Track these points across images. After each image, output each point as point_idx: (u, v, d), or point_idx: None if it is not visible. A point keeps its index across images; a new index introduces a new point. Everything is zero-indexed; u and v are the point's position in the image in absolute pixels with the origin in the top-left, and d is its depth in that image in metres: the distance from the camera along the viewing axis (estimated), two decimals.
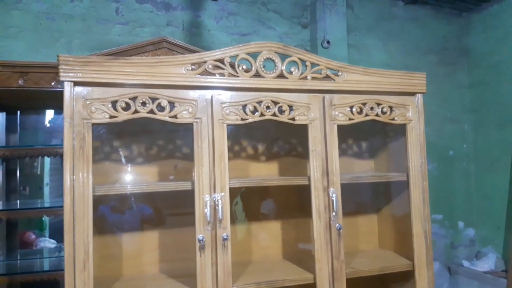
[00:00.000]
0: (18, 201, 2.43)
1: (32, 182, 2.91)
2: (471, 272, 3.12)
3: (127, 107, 1.43)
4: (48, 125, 2.71)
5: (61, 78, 1.37)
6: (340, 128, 1.72)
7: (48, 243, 2.94)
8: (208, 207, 1.47)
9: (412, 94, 1.80)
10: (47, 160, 2.76)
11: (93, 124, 1.40)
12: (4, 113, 2.34)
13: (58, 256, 2.48)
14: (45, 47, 2.34)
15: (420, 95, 1.81)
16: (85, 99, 1.39)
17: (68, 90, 1.37)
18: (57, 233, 2.97)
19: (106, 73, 1.40)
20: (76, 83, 1.38)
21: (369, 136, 2.10)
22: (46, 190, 2.98)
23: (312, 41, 3.05)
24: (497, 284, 2.91)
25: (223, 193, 1.49)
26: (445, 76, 3.52)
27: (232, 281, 1.49)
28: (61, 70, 1.36)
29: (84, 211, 1.35)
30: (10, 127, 2.40)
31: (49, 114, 2.73)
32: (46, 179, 2.95)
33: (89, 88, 1.40)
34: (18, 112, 2.45)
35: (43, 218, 3.02)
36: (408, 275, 1.79)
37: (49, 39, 2.40)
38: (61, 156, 2.21)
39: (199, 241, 1.45)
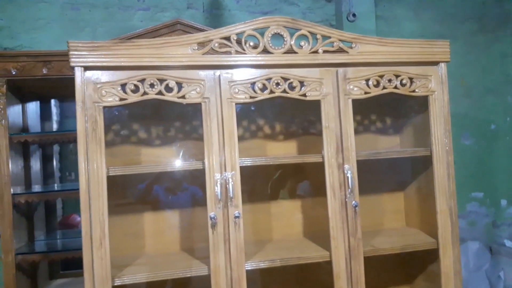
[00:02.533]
0: (55, 185, 2.57)
1: (77, 168, 3.08)
2: None
3: (136, 89, 1.46)
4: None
5: (72, 64, 1.41)
6: (361, 104, 1.66)
7: None
8: (219, 185, 1.48)
9: (435, 63, 1.69)
10: None
11: (104, 107, 1.44)
12: (38, 102, 2.46)
13: None
14: (71, 37, 2.41)
15: (444, 64, 1.70)
16: (95, 83, 1.43)
17: (78, 75, 1.42)
18: None
19: (114, 56, 1.43)
20: (86, 68, 1.42)
21: (393, 111, 2.00)
22: None
23: (337, 15, 2.93)
24: None
25: (233, 172, 1.49)
26: (485, 45, 3.27)
27: (245, 259, 1.50)
28: (71, 56, 1.41)
29: (99, 191, 1.41)
30: (44, 115, 2.52)
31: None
32: None
33: (99, 72, 1.43)
34: (52, 101, 2.57)
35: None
36: (433, 254, 1.72)
37: (75, 28, 2.49)
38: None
39: (211, 219, 1.47)
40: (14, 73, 1.89)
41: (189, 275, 1.50)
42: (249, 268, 1.52)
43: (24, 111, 2.25)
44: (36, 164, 2.39)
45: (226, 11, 2.72)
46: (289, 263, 1.58)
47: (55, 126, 2.61)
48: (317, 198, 1.85)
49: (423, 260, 1.81)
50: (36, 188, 2.33)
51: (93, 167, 1.41)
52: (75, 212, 3.01)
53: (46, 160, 2.57)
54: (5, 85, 1.90)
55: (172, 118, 1.79)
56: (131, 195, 1.75)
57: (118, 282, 1.44)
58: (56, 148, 2.65)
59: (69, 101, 2.55)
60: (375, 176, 1.94)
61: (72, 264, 2.66)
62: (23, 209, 2.17)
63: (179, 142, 1.78)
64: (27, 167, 2.26)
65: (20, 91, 2.17)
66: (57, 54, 1.94)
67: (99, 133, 1.42)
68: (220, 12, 2.71)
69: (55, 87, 2.27)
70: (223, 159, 1.49)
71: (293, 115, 1.91)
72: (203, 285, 1.56)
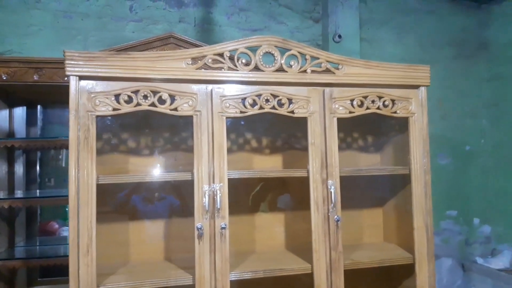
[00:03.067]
0: (37, 191, 2.55)
1: (56, 174, 3.05)
2: (485, 269, 3.05)
3: (129, 100, 1.50)
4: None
5: (67, 73, 1.44)
6: (346, 122, 1.74)
7: None
8: (207, 196, 1.52)
9: (416, 87, 1.79)
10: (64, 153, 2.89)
11: (97, 116, 1.47)
12: (25, 107, 2.46)
13: None
14: (63, 44, 2.44)
15: (424, 87, 1.80)
16: (90, 93, 1.46)
17: (73, 83, 1.45)
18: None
19: (109, 67, 1.47)
20: (81, 77, 1.45)
21: (375, 130, 2.09)
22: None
23: (324, 35, 3.04)
24: (511, 282, 2.85)
25: (221, 184, 1.54)
26: (463, 70, 3.43)
27: (230, 269, 1.54)
28: (67, 65, 1.44)
29: (88, 198, 1.43)
30: (30, 121, 2.52)
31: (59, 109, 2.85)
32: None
33: (93, 82, 1.47)
34: (39, 107, 2.57)
35: (66, 208, 3.16)
36: (409, 269, 1.79)
37: (67, 36, 2.50)
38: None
39: (198, 229, 1.50)
40: (4, 78, 1.90)
41: (173, 285, 1.53)
42: (233, 278, 1.55)
43: (11, 116, 2.25)
44: (19, 170, 2.37)
45: (217, 26, 2.79)
46: (272, 274, 1.62)
47: (39, 132, 2.61)
48: (299, 211, 1.90)
49: (400, 275, 1.88)
50: (19, 193, 2.32)
51: (83, 175, 1.43)
52: (53, 219, 2.98)
53: (29, 166, 2.56)
54: None
55: (161, 129, 1.83)
56: (117, 203, 1.77)
57: None
58: (38, 154, 2.64)
59: (55, 107, 2.55)
60: (355, 192, 2.02)
61: (49, 271, 2.64)
62: (4, 215, 2.15)
63: (168, 152, 1.81)
64: (10, 172, 2.25)
65: (8, 96, 2.17)
66: (49, 61, 1.96)
67: (91, 141, 1.45)
68: (211, 27, 2.78)
69: (43, 93, 2.28)
70: (212, 171, 1.54)
71: (279, 131, 1.97)
72: None
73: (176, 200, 1.81)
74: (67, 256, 2.32)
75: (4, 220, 2.17)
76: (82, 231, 1.42)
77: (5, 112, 2.20)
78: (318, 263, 1.63)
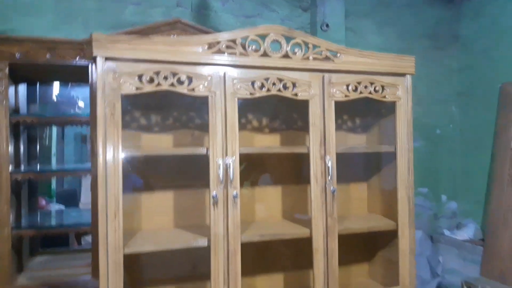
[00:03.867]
0: (38, 166, 2.64)
1: (41, 152, 3.13)
2: (451, 240, 3.40)
3: (151, 80, 1.63)
4: (55, 99, 2.91)
5: (94, 54, 1.56)
6: (338, 105, 1.94)
7: (57, 207, 3.21)
8: (221, 169, 1.69)
9: (402, 75, 2.01)
10: (53, 131, 2.97)
11: (122, 95, 1.60)
12: (25, 84, 2.52)
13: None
14: (64, 25, 2.51)
15: (409, 76, 2.02)
16: (115, 73, 1.59)
17: (100, 64, 1.57)
18: (63, 199, 3.26)
19: (133, 50, 1.60)
20: (107, 58, 1.58)
21: (362, 113, 2.31)
22: (53, 159, 3.24)
23: (312, 24, 3.23)
24: (474, 251, 3.20)
25: (234, 157, 1.72)
26: (436, 60, 3.72)
27: (240, 234, 1.73)
28: (94, 46, 1.56)
29: (114, 169, 1.57)
30: (30, 98, 2.59)
31: (56, 87, 2.93)
32: (53, 149, 3.19)
33: (118, 63, 1.59)
34: (38, 84, 2.63)
35: (52, 187, 3.25)
36: (392, 235, 2.04)
37: (68, 17, 2.56)
38: (82, 124, 2.43)
39: (213, 197, 1.68)
40: (18, 57, 1.98)
41: (191, 246, 1.71)
42: (243, 241, 1.74)
43: (16, 93, 2.32)
44: (22, 145, 2.46)
45: (212, 12, 2.92)
46: (277, 238, 1.83)
47: (38, 109, 2.68)
48: (295, 185, 2.11)
49: (384, 240, 2.14)
50: (22, 168, 2.40)
51: (111, 148, 1.57)
52: (41, 195, 3.08)
53: (29, 142, 2.64)
54: (7, 68, 1.98)
55: (179, 109, 1.97)
56: (136, 175, 1.91)
57: (128, 251, 1.61)
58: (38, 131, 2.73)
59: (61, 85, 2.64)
60: (345, 169, 2.24)
61: (48, 243, 2.77)
62: (12, 187, 2.24)
63: (184, 130, 1.97)
64: (16, 147, 2.33)
65: (16, 74, 2.24)
66: (62, 42, 2.05)
67: (116, 117, 1.59)
68: (207, 12, 2.90)
69: (54, 72, 2.36)
70: (225, 146, 1.71)
71: (280, 112, 2.16)
72: (200, 257, 1.78)
73: (189, 173, 1.97)
74: (71, 227, 2.47)
75: (13, 192, 2.26)
76: (110, 199, 1.56)
77: (12, 89, 2.27)
78: (316, 228, 1.85)
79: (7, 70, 1.98)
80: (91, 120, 2.08)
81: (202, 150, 1.74)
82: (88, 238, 3.52)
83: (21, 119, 2.15)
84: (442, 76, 3.75)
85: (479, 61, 3.59)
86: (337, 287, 1.87)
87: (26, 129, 2.56)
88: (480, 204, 3.47)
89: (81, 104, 3.06)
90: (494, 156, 3.31)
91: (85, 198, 3.60)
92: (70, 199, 3.54)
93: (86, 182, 3.84)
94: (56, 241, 3.09)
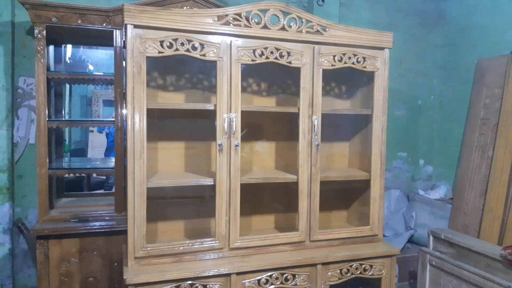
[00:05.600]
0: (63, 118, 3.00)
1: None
2: (425, 199, 3.83)
3: (170, 46, 1.97)
4: (68, 61, 3.24)
5: (125, 22, 1.89)
6: (326, 73, 2.28)
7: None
8: (226, 122, 2.06)
9: (381, 48, 2.35)
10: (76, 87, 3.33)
11: (147, 57, 1.94)
12: (53, 46, 2.84)
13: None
14: None
15: (388, 49, 2.36)
16: (141, 38, 1.92)
17: (130, 31, 1.90)
18: (77, 155, 3.69)
19: (157, 19, 1.93)
20: (135, 26, 1.91)
21: (347, 81, 2.66)
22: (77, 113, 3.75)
23: None
24: (444, 209, 3.63)
25: (236, 113, 2.08)
26: (422, 36, 4.04)
27: (240, 176, 2.12)
28: (126, 16, 1.88)
29: (140, 117, 1.93)
30: (56, 58, 2.91)
31: (69, 51, 3.25)
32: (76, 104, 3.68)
33: (145, 30, 1.92)
34: (63, 46, 2.95)
35: (66, 143, 3.63)
36: (366, 184, 2.44)
37: None
38: (102, 83, 2.77)
39: (219, 145, 2.06)
40: (54, 20, 2.29)
41: (200, 184, 2.10)
42: (242, 182, 2.13)
43: (47, 52, 2.64)
44: (53, 98, 2.80)
45: None
46: (270, 181, 2.23)
47: (63, 67, 3.01)
48: (286, 142, 2.48)
49: (359, 190, 2.54)
50: (53, 117, 2.76)
51: (138, 101, 1.93)
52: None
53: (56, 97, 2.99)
54: (45, 30, 2.29)
55: (187, 72, 2.31)
56: (154, 126, 2.27)
57: (150, 185, 2.00)
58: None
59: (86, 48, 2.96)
60: (329, 128, 2.61)
61: (72, 186, 3.17)
62: (52, 134, 2.60)
63: (190, 89, 2.32)
64: (49, 100, 2.67)
65: (48, 36, 2.55)
66: (91, 9, 2.36)
67: (142, 76, 1.94)
68: None
69: (83, 36, 2.68)
70: (230, 104, 2.07)
71: (277, 78, 2.50)
72: (206, 193, 2.18)
73: (198, 127, 2.34)
74: (96, 169, 2.85)
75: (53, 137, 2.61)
76: (136, 142, 1.93)
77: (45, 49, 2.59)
78: (302, 175, 2.24)
79: (44, 32, 2.30)
80: (115, 79, 2.42)
81: (210, 106, 2.10)
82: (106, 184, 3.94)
83: (55, 75, 2.48)
84: (426, 51, 4.08)
85: (461, 39, 3.91)
86: (317, 223, 2.28)
87: (54, 85, 2.90)
88: (453, 168, 3.88)
89: (90, 67, 3.41)
90: (466, 126, 3.69)
91: (91, 152, 4.04)
92: (80, 154, 3.96)
93: (92, 138, 4.27)
94: (76, 185, 3.52)
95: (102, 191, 3.62)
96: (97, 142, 4.28)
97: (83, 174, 3.11)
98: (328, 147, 2.66)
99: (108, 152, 3.98)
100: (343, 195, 2.70)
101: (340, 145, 2.72)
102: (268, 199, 2.55)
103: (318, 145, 2.26)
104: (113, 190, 2.69)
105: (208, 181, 2.10)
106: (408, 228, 3.83)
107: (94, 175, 3.19)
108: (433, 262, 2.98)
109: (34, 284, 2.80)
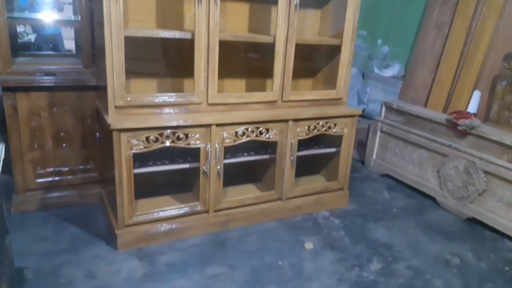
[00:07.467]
0: None
1: None
2: (379, 77, 4.06)
3: None
4: None
5: None
6: None
7: None
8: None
9: None
10: None
11: None
12: None
13: None
14: None
15: None
16: None
17: None
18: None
19: None
20: None
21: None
22: None
23: None
24: (396, 85, 3.88)
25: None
26: None
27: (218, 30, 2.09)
28: None
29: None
30: None
31: None
32: None
33: None
34: None
35: None
36: (337, 50, 2.52)
37: None
38: None
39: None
40: None
41: (177, 37, 2.06)
42: (221, 39, 2.11)
43: None
44: None
45: None
46: (248, 39, 2.24)
47: None
48: (259, 4, 2.43)
49: (329, 56, 2.64)
50: None
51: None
52: None
53: None
54: None
55: None
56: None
57: (126, 33, 1.93)
58: None
59: None
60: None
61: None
62: None
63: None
64: None
65: None
66: None
67: None
68: None
69: None
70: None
71: None
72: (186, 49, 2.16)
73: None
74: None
75: None
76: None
77: None
78: (279, 36, 2.26)
79: None
80: None
81: (187, 35, 2.04)
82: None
83: None
84: None
85: None
86: (290, 84, 2.39)
87: None
88: (407, 49, 4.06)
89: None
90: (426, 6, 3.79)
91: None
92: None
93: None
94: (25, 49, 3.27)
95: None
96: None
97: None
98: (300, 14, 2.65)
99: None
100: (310, 63, 2.79)
101: (311, 12, 2.73)
102: (242, 63, 2.58)
103: (296, 5, 2.25)
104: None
105: (186, 36, 2.07)
106: (361, 102, 4.11)
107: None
108: (383, 129, 3.30)
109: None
